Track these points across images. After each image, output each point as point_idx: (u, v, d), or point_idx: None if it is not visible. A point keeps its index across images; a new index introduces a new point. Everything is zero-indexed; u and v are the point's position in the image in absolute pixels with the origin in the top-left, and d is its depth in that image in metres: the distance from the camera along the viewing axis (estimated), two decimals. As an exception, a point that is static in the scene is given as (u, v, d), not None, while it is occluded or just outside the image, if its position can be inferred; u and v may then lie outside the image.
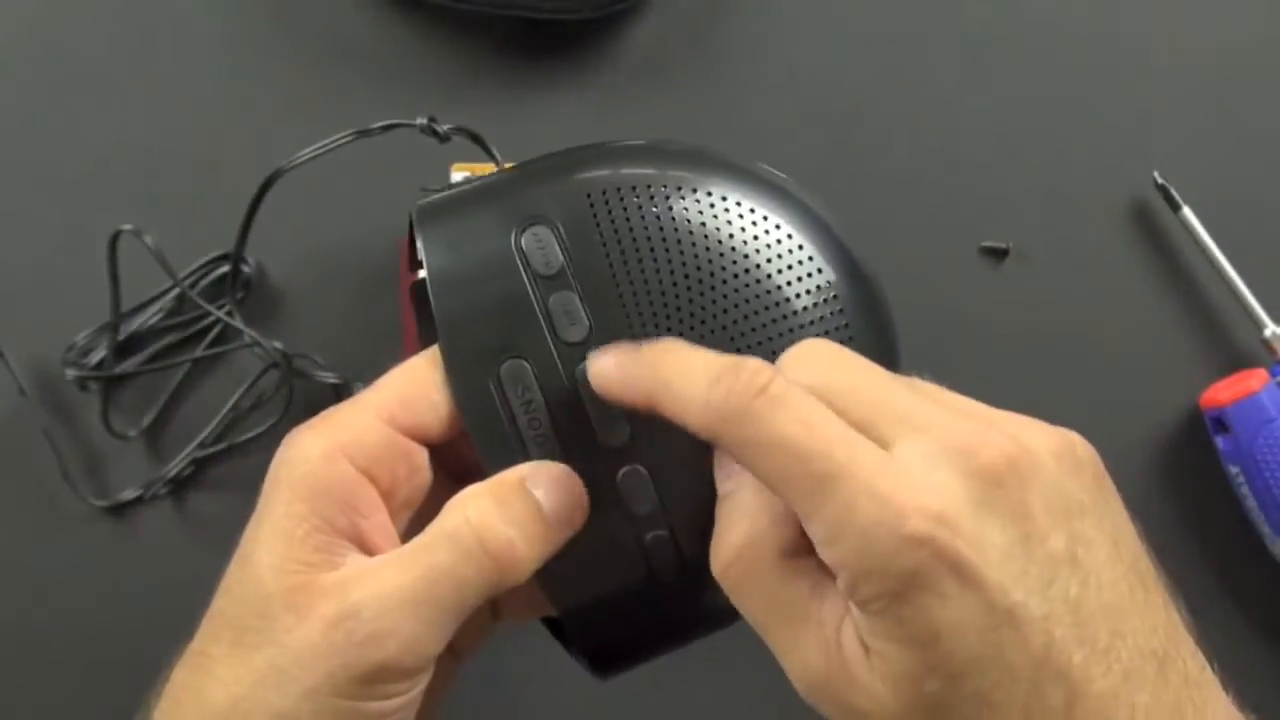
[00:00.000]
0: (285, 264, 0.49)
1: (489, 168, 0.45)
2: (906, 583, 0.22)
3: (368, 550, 0.27)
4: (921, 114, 0.51)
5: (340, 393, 0.47)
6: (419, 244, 0.29)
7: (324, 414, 0.28)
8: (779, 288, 0.28)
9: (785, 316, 0.28)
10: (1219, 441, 0.48)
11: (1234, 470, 0.48)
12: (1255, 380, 0.47)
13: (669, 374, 0.26)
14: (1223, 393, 0.47)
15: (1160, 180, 0.50)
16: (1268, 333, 0.48)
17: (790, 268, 0.29)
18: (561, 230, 0.28)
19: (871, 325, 0.29)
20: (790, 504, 0.24)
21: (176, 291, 0.47)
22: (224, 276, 0.47)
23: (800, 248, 0.29)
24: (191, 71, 0.50)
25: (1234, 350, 0.50)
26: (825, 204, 0.31)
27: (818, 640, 0.24)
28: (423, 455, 0.28)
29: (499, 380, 0.28)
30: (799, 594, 0.25)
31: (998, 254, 0.50)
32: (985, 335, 0.50)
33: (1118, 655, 0.23)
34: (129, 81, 0.50)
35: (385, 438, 0.27)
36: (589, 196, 0.28)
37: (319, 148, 0.42)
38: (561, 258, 0.28)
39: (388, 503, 0.27)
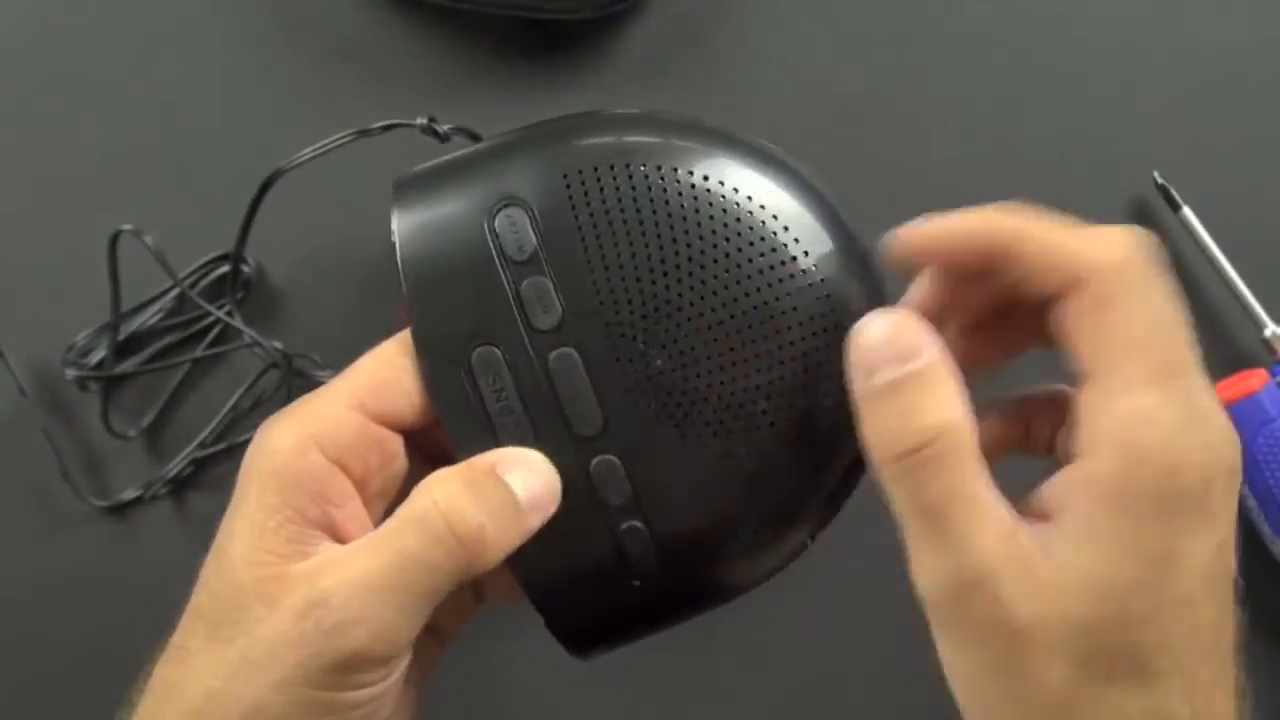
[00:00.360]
0: (285, 264, 0.49)
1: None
2: (1176, 501, 0.23)
3: (341, 540, 0.26)
4: (921, 114, 0.51)
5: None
6: (392, 222, 0.28)
7: (295, 403, 0.28)
8: (760, 272, 0.27)
9: (766, 303, 0.27)
10: (1219, 441, 0.48)
11: (1234, 470, 0.48)
12: (1255, 380, 0.47)
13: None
14: (1223, 393, 0.47)
15: (1160, 180, 0.50)
16: (1268, 333, 0.48)
17: (774, 250, 0.27)
18: (535, 212, 0.27)
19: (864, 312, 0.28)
20: (1127, 367, 0.25)
21: (176, 291, 0.47)
22: (224, 276, 0.47)
23: (785, 229, 0.27)
24: (191, 71, 0.50)
25: (1234, 350, 0.50)
26: (820, 177, 0.29)
27: (994, 533, 0.24)
28: (397, 443, 0.28)
29: (470, 367, 0.27)
30: (979, 488, 0.24)
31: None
32: (985, 335, 0.50)
33: (1224, 661, 0.26)
34: (129, 81, 0.50)
35: (357, 427, 0.27)
36: (565, 176, 0.28)
37: (319, 148, 0.42)
38: (535, 241, 0.27)
39: (362, 492, 0.27)
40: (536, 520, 0.27)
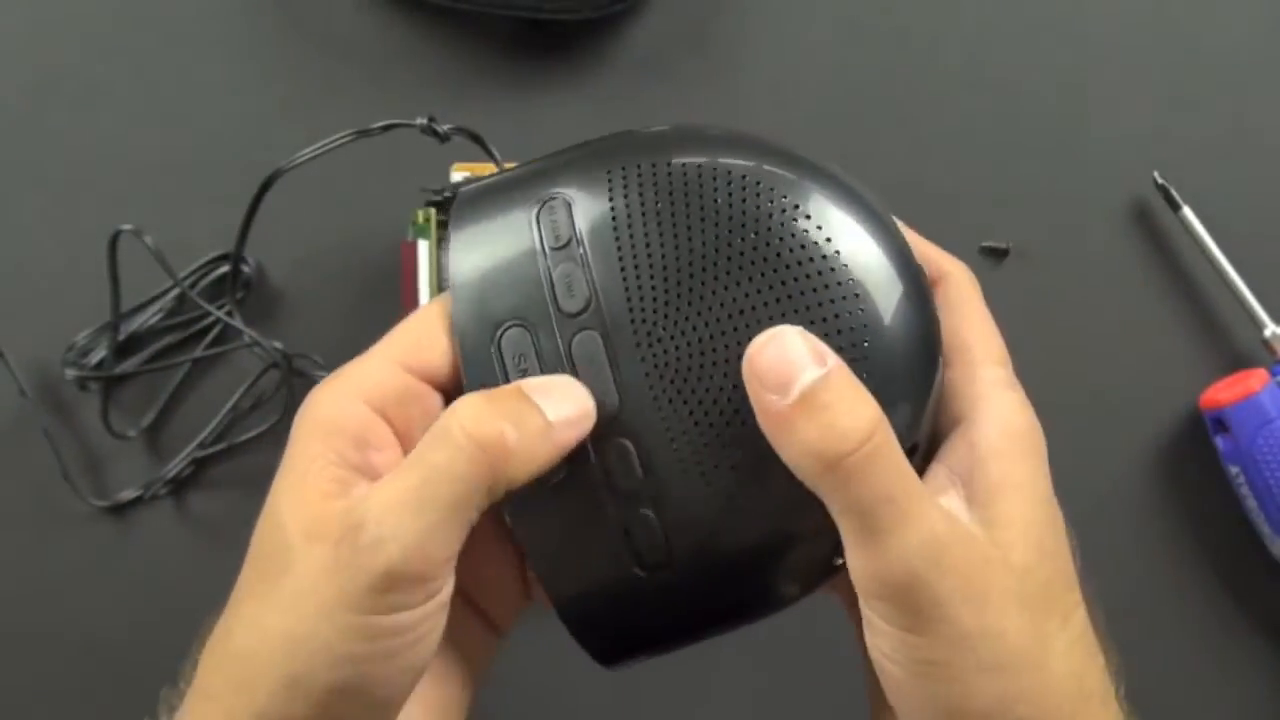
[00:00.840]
0: (285, 264, 0.49)
1: (489, 168, 0.45)
2: (1039, 450, 0.27)
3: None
4: (921, 114, 0.51)
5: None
6: (452, 215, 0.29)
7: (341, 367, 0.28)
8: (796, 279, 0.27)
9: (790, 296, 0.27)
10: (1219, 441, 0.48)
11: (1234, 470, 0.48)
12: (1255, 380, 0.47)
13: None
14: (1223, 393, 0.47)
15: (1160, 180, 0.50)
16: (1268, 333, 0.48)
17: (803, 246, 0.27)
18: (575, 203, 0.29)
19: (897, 357, 0.27)
20: (984, 347, 0.28)
21: (176, 291, 0.47)
22: (224, 276, 0.47)
23: (819, 228, 0.27)
24: (191, 71, 0.50)
25: (1234, 350, 0.50)
26: (860, 180, 0.29)
27: (943, 514, 0.25)
28: (436, 400, 0.28)
29: (499, 344, 0.28)
30: (909, 482, 0.25)
31: (998, 254, 0.50)
32: (985, 335, 0.50)
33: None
34: (129, 81, 0.50)
35: (398, 380, 0.28)
36: (608, 172, 0.29)
37: (319, 148, 0.42)
38: (570, 230, 0.28)
39: (405, 445, 0.27)
40: (567, 436, 0.27)
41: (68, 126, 0.50)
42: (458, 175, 0.46)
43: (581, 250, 0.28)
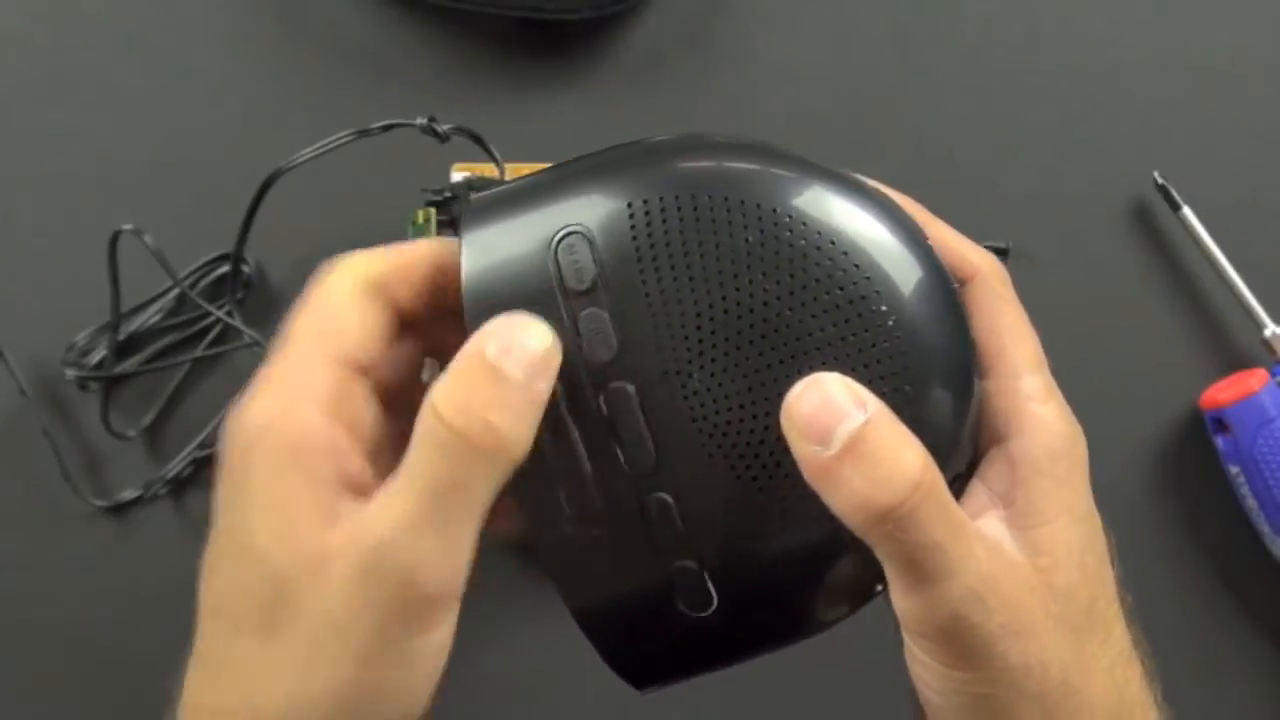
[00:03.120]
0: (285, 264, 0.49)
1: (489, 168, 0.45)
2: (1080, 465, 0.27)
3: (357, 488, 0.25)
4: (921, 114, 0.51)
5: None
6: (461, 247, 0.27)
7: (260, 375, 0.26)
8: (825, 311, 0.26)
9: (831, 343, 0.26)
10: (1219, 441, 0.48)
11: (1234, 470, 0.48)
12: (1255, 380, 0.47)
13: None
14: (1223, 393, 0.47)
15: (1160, 180, 0.50)
16: (1268, 333, 0.48)
17: (841, 289, 0.26)
18: (597, 241, 0.27)
19: (938, 390, 0.26)
20: (1017, 352, 0.28)
21: (176, 291, 0.47)
22: (224, 276, 0.47)
23: (857, 267, 0.26)
24: (191, 71, 0.50)
25: (1234, 350, 0.50)
26: (901, 209, 0.28)
27: (988, 549, 0.25)
28: (366, 388, 0.26)
29: None
30: (956, 526, 0.24)
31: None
32: (985, 335, 0.50)
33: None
34: (129, 81, 0.50)
35: (336, 376, 0.26)
36: (629, 204, 0.27)
37: (319, 148, 0.42)
38: (594, 271, 0.26)
39: (358, 443, 0.26)
40: (543, 384, 0.25)
41: (68, 126, 0.50)
42: (458, 175, 0.46)
43: (608, 296, 0.26)
